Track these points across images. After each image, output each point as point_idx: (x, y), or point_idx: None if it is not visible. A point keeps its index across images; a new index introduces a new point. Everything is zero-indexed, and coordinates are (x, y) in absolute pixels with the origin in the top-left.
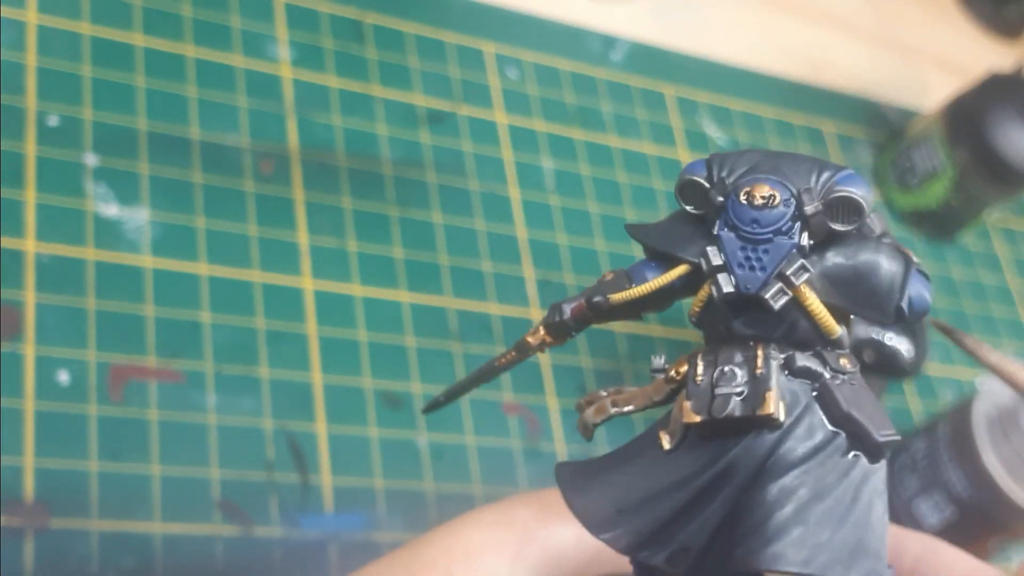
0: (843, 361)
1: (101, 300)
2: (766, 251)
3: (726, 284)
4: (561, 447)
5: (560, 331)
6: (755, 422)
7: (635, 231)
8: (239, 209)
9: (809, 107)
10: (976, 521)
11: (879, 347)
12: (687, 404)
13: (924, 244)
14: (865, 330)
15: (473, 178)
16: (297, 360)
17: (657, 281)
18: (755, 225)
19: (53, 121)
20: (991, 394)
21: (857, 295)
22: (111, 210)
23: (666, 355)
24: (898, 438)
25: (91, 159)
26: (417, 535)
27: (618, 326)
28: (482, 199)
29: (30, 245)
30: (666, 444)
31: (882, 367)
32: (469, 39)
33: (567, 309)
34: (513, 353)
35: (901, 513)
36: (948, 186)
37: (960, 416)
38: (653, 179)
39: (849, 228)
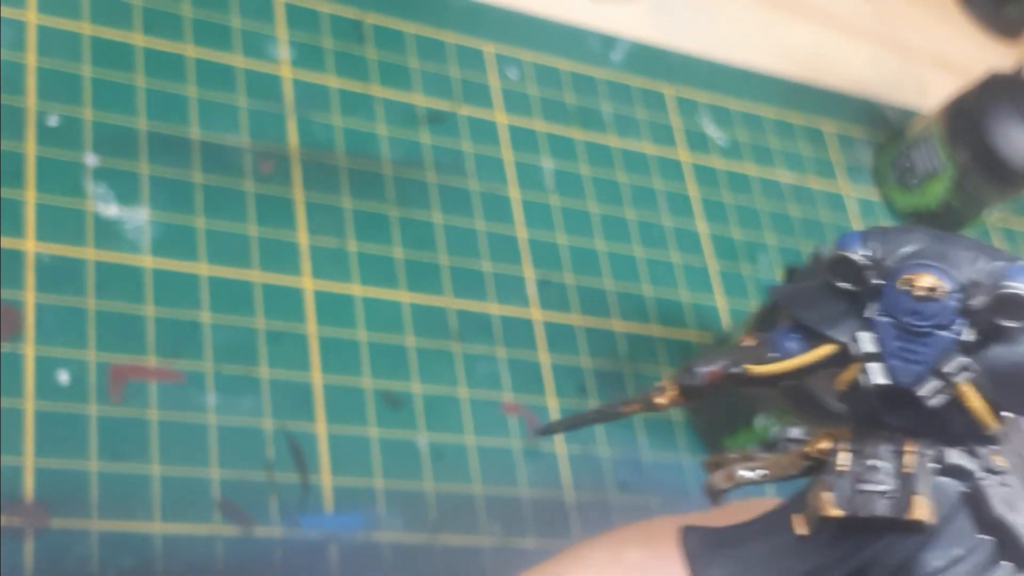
0: (996, 459)
1: (101, 300)
2: (925, 344)
3: (877, 376)
4: (561, 447)
5: (692, 394)
6: (900, 525)
7: (783, 298)
8: (239, 209)
9: (809, 107)
10: None
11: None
12: (826, 496)
13: None
14: None
15: (473, 178)
16: (297, 360)
17: (801, 359)
18: (915, 316)
19: (53, 121)
20: None
21: (1017, 393)
22: (111, 210)
23: (802, 427)
24: None
25: (91, 159)
26: (417, 535)
27: (617, 324)
28: (482, 199)
29: (30, 245)
30: (800, 530)
31: None
32: (469, 39)
33: (703, 374)
34: (638, 406)
35: None
36: (948, 186)
37: None
38: (653, 179)
39: (1018, 324)
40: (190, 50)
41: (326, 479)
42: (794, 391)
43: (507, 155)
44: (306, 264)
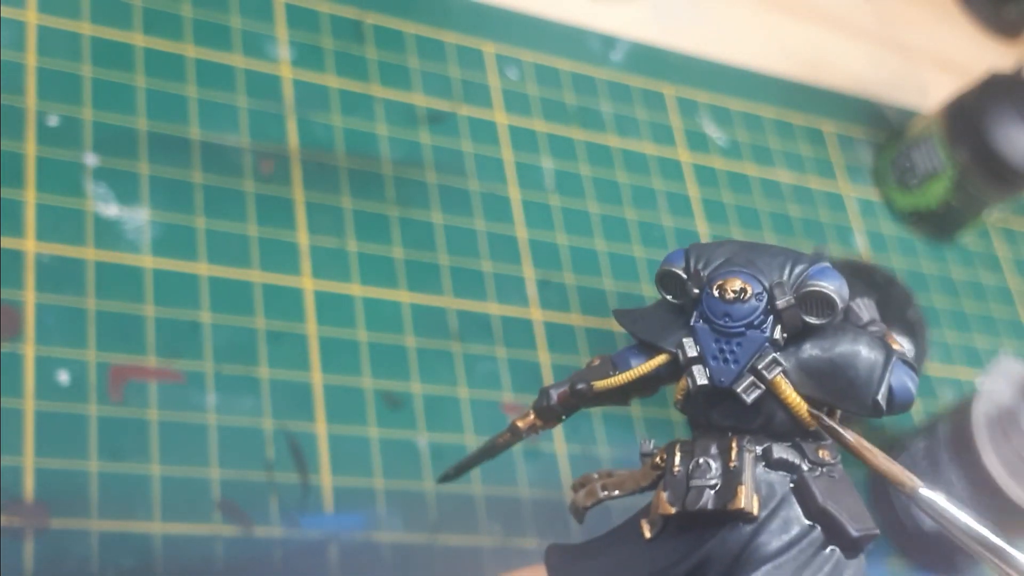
0: (822, 453)
1: (101, 300)
2: (739, 344)
3: (700, 376)
4: (561, 447)
5: (549, 416)
6: (728, 515)
7: (622, 318)
8: (239, 209)
9: (809, 107)
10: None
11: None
12: (664, 495)
13: (924, 244)
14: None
15: (473, 178)
16: (297, 360)
17: (638, 370)
18: (727, 319)
19: (53, 121)
20: (991, 394)
21: (835, 387)
22: (111, 210)
23: (655, 440)
24: (876, 532)
25: (91, 159)
26: (417, 535)
27: (617, 325)
28: (482, 199)
29: (30, 245)
30: (647, 533)
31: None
32: (469, 39)
33: (554, 395)
34: (508, 435)
35: (901, 513)
36: (948, 186)
37: (960, 416)
38: (653, 179)
39: (823, 322)
40: (190, 50)
41: (326, 479)
42: None
43: (507, 155)
44: (306, 264)
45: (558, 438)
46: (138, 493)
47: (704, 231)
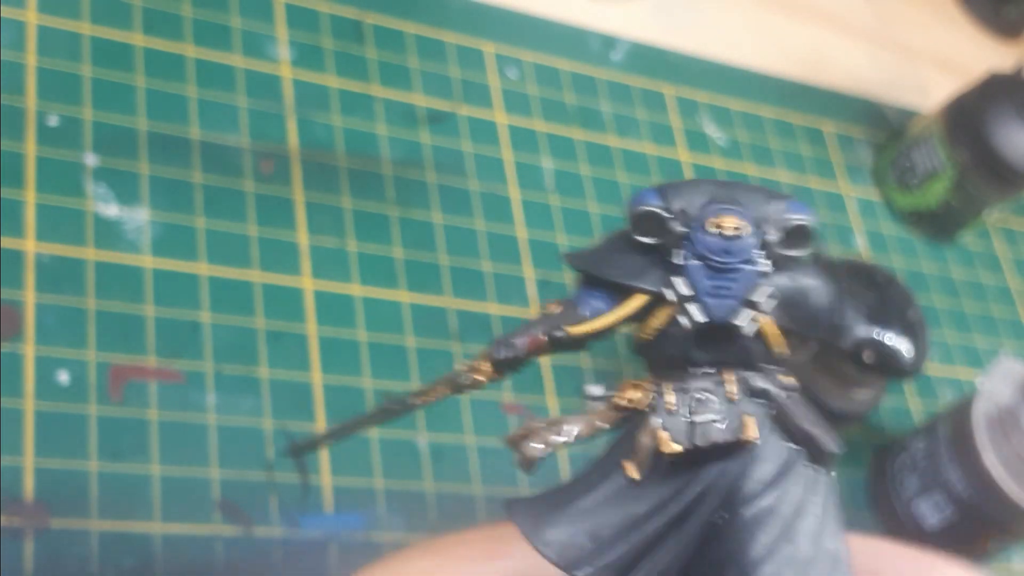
0: (785, 379)
1: (101, 300)
2: (734, 280)
3: (698, 314)
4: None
5: (510, 366)
6: (735, 447)
7: (579, 261)
8: (239, 209)
9: (809, 107)
10: (976, 521)
11: (879, 347)
12: (663, 433)
13: (924, 244)
14: (865, 330)
15: (473, 178)
16: (297, 360)
17: (618, 313)
18: (726, 255)
19: (53, 121)
20: (991, 394)
21: (803, 315)
22: (111, 210)
23: (601, 382)
24: (841, 449)
25: (91, 159)
26: (417, 535)
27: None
28: (482, 199)
29: (30, 245)
30: (634, 474)
31: (882, 367)
32: (469, 39)
33: (520, 343)
34: (443, 389)
35: (901, 513)
36: (948, 186)
37: (960, 416)
38: (653, 179)
39: (801, 254)
40: (190, 50)
41: (326, 479)
42: None
43: (507, 155)
44: (306, 264)
45: None
46: (138, 493)
47: None
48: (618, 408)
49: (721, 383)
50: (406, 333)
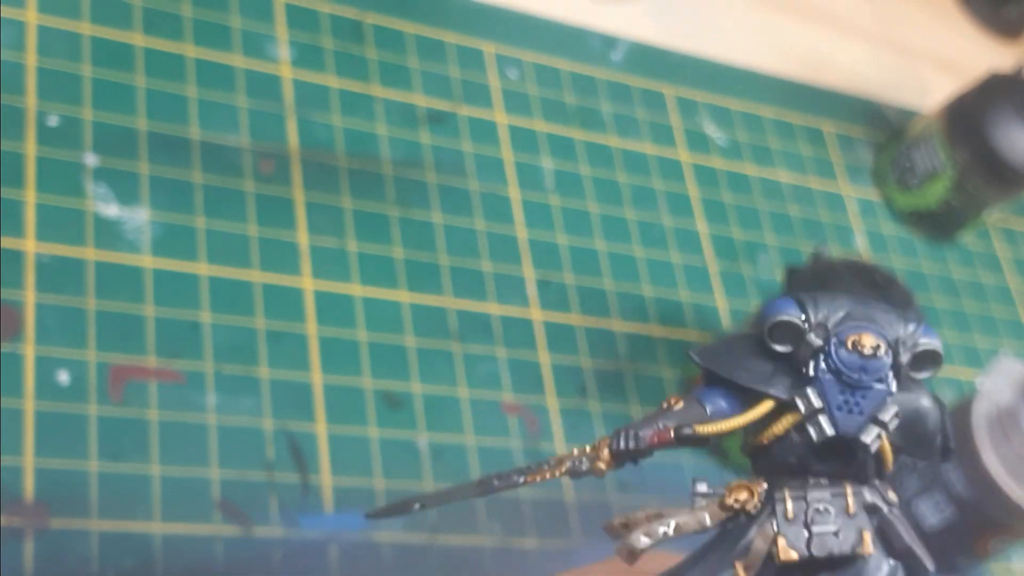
0: (890, 494)
1: (101, 300)
2: (863, 396)
3: (828, 427)
4: (561, 447)
5: (631, 457)
6: (850, 560)
7: (707, 359)
8: (239, 209)
9: (809, 107)
10: (976, 521)
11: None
12: (782, 541)
13: (924, 244)
14: None
15: (473, 178)
16: (297, 360)
17: (749, 416)
18: (862, 373)
19: (53, 121)
20: (991, 394)
21: (913, 435)
22: (111, 210)
23: (707, 480)
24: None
25: (91, 159)
26: (417, 535)
27: (617, 324)
28: (482, 199)
29: (30, 245)
30: (743, 575)
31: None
32: (469, 39)
33: (645, 436)
34: (556, 472)
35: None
36: (948, 186)
37: (960, 416)
38: (653, 179)
39: (926, 377)
40: (190, 50)
41: (326, 479)
42: None
43: (507, 155)
44: (306, 264)
45: (558, 439)
46: (138, 493)
47: (704, 231)
48: (725, 508)
49: (840, 495)
50: (406, 333)
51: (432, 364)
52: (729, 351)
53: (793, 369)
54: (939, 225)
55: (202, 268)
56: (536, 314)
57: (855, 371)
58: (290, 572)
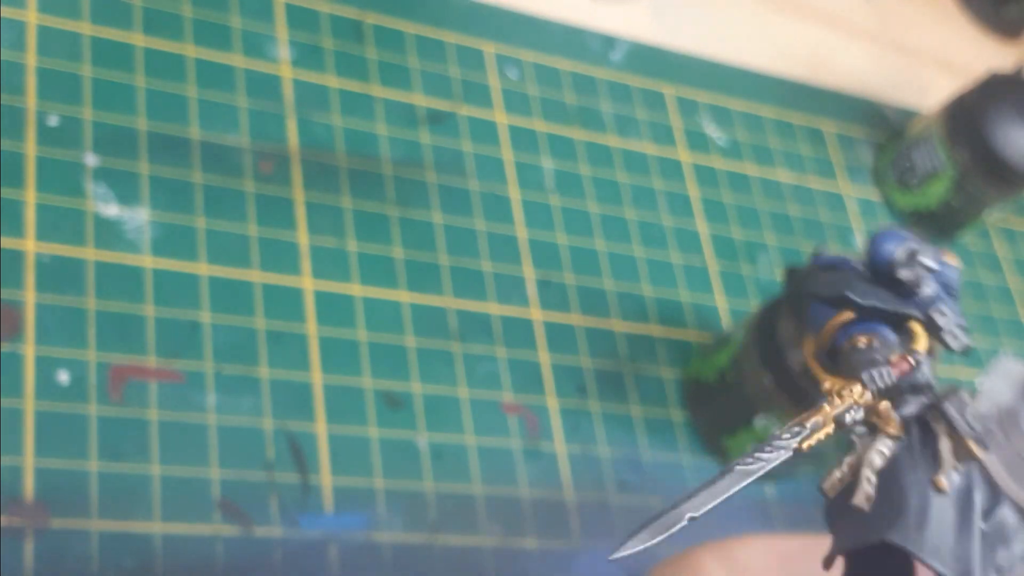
0: None
1: (101, 300)
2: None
3: (964, 336)
4: (561, 447)
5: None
6: None
7: (862, 297)
8: (239, 209)
9: (809, 107)
10: None
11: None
12: (973, 441)
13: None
14: None
15: (473, 178)
16: (297, 360)
17: (923, 337)
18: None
19: (53, 121)
20: (991, 394)
21: None
22: (111, 210)
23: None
24: None
25: (91, 159)
26: (417, 535)
27: (617, 324)
28: (482, 199)
29: (30, 245)
30: (945, 487)
31: None
32: (469, 39)
33: (892, 372)
34: (827, 430)
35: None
36: (948, 186)
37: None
38: (653, 179)
39: None
40: (190, 50)
41: (326, 479)
42: (795, 389)
43: (507, 155)
44: (306, 264)
45: (558, 439)
46: (138, 493)
47: (704, 231)
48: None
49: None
50: (406, 333)
51: (432, 364)
52: (848, 284)
53: (903, 290)
54: (939, 225)
55: (202, 268)
56: (536, 314)
57: (957, 284)
58: (290, 572)
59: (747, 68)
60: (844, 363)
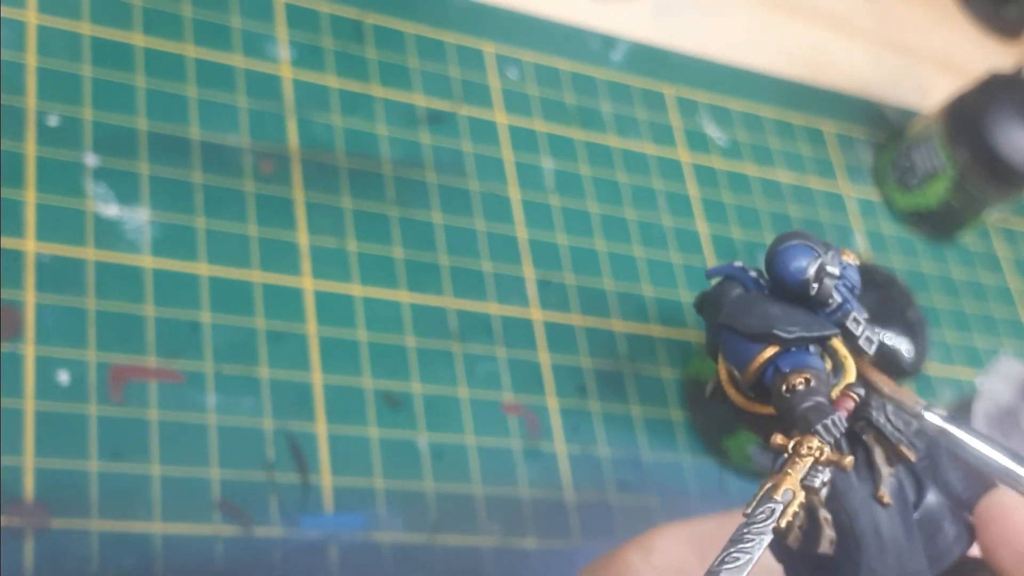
0: None
1: (101, 300)
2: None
3: (875, 335)
4: (561, 447)
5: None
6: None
7: (783, 329)
8: (239, 209)
9: (809, 107)
10: None
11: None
12: (904, 447)
13: (924, 244)
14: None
15: (473, 178)
16: (297, 360)
17: (852, 359)
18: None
19: (53, 121)
20: (991, 394)
21: None
22: (111, 210)
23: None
24: None
25: (91, 159)
26: (417, 535)
27: (617, 324)
28: (482, 199)
29: (30, 245)
30: (888, 500)
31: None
32: (469, 39)
33: (842, 417)
34: (795, 505)
35: None
36: (948, 186)
37: (960, 416)
38: (653, 179)
39: None
40: (190, 50)
41: (326, 479)
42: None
43: (507, 155)
44: (306, 264)
45: (558, 439)
46: (138, 493)
47: (704, 231)
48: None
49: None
50: (406, 333)
51: (432, 364)
52: (769, 317)
53: (813, 303)
54: (939, 225)
55: (202, 268)
56: (536, 314)
57: (858, 282)
58: (290, 572)
59: (747, 68)
60: (782, 408)
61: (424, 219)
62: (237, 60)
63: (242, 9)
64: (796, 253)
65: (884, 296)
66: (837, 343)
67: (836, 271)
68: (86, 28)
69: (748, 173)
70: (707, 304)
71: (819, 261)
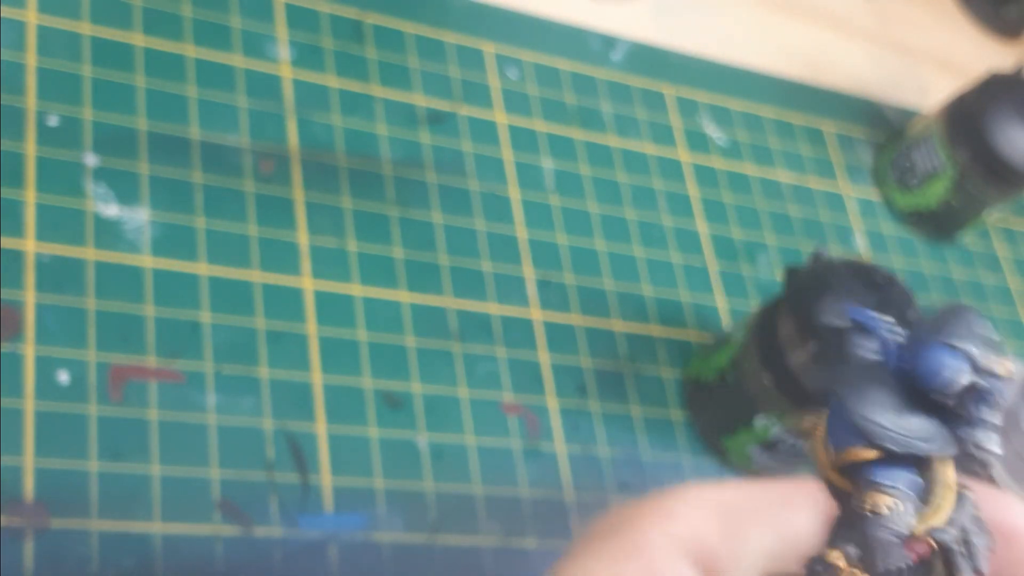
0: None
1: (101, 300)
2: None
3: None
4: (561, 447)
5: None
6: None
7: (880, 437)
8: (239, 209)
9: (809, 107)
10: None
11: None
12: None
13: (924, 244)
14: None
15: (473, 178)
16: (297, 360)
17: (950, 494)
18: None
19: (53, 121)
20: None
21: None
22: (111, 210)
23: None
24: None
25: (91, 159)
26: (417, 535)
27: (617, 324)
28: (482, 199)
29: (30, 245)
30: None
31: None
32: (469, 39)
33: (908, 556)
34: None
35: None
36: (948, 186)
37: None
38: (653, 179)
39: None
40: (190, 50)
41: (326, 479)
42: (795, 390)
43: (507, 155)
44: (306, 264)
45: (558, 438)
46: (138, 493)
47: (704, 231)
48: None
49: None
50: (406, 333)
51: (432, 364)
52: (881, 405)
53: (943, 413)
54: (939, 225)
55: (202, 268)
56: (536, 314)
57: (1002, 395)
58: (290, 572)
59: (747, 68)
60: (853, 518)
61: (424, 219)
62: (237, 60)
63: (242, 9)
64: (951, 354)
65: (884, 296)
66: (944, 471)
67: (985, 385)
68: (86, 28)
69: (748, 173)
70: (827, 340)
71: (972, 378)
